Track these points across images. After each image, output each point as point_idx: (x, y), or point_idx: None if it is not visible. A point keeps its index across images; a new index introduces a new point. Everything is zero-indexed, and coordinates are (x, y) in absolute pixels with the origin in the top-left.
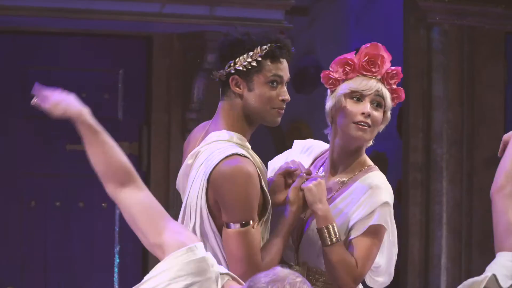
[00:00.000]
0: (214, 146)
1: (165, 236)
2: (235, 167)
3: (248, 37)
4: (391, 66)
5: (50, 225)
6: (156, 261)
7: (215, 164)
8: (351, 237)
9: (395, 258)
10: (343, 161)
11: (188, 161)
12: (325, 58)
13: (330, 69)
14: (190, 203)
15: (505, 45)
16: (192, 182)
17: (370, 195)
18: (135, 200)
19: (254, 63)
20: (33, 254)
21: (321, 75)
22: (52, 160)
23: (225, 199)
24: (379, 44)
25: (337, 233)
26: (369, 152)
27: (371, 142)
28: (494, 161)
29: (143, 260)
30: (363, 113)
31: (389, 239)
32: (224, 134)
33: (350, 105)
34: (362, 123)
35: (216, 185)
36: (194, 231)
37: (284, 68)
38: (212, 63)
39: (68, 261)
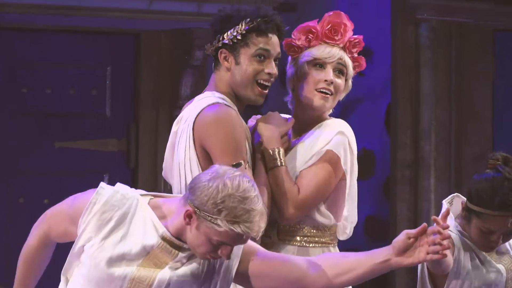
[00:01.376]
0: (196, 103)
1: (75, 217)
2: (216, 110)
3: (237, 12)
4: (353, 35)
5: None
6: None
7: (197, 113)
8: (304, 167)
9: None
10: (305, 126)
11: (173, 128)
12: None
13: (293, 36)
14: (179, 160)
15: (493, 41)
16: (179, 142)
17: (324, 130)
18: (57, 236)
19: (239, 37)
20: (20, 251)
21: (283, 42)
22: (40, 157)
23: (213, 144)
24: (342, 13)
25: (282, 158)
26: (357, 148)
27: (331, 110)
28: (482, 158)
29: None
30: (326, 80)
31: (348, 172)
32: (207, 93)
33: (313, 73)
34: (324, 91)
35: (200, 133)
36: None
37: (271, 43)
38: (200, 60)
39: (55, 259)
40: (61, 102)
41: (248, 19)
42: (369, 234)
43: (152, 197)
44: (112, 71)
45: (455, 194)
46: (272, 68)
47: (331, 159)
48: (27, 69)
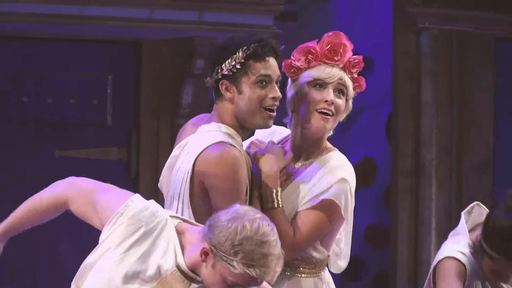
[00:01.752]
0: (202, 135)
1: (101, 211)
2: (221, 152)
3: (232, 41)
4: (353, 55)
5: (40, 229)
6: None
7: (201, 150)
8: (300, 209)
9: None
10: (305, 149)
11: (174, 152)
12: None
13: (292, 57)
14: (174, 190)
15: (495, 50)
16: (178, 171)
17: (328, 171)
18: (75, 211)
19: (238, 66)
20: (23, 258)
21: (283, 64)
22: (41, 166)
23: (213, 186)
24: (341, 33)
25: (279, 200)
26: (359, 157)
27: (331, 132)
28: (483, 166)
29: None
30: (326, 101)
31: (348, 219)
32: (213, 125)
33: (313, 93)
34: (325, 112)
35: (203, 171)
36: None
37: (270, 67)
38: (201, 69)
39: (58, 265)
40: (62, 110)
41: (245, 47)
42: (369, 242)
43: (181, 221)
44: (113, 80)
45: (476, 203)
46: (275, 92)
47: (330, 207)
48: (28, 77)
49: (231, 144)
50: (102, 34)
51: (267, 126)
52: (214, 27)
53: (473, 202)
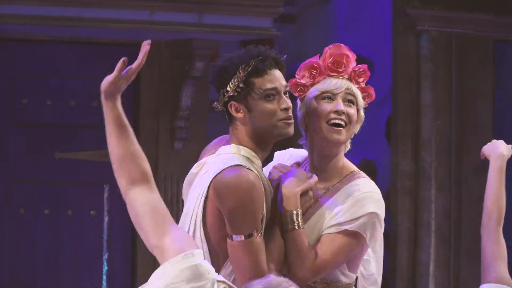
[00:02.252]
0: (220, 157)
1: (166, 240)
2: (237, 176)
3: (230, 61)
4: (357, 64)
5: (39, 233)
6: (144, 268)
7: (217, 172)
8: (325, 232)
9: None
10: (324, 168)
11: (193, 170)
12: None
13: (297, 76)
14: (187, 210)
15: (494, 52)
16: (194, 189)
17: (359, 201)
18: (143, 201)
19: (242, 85)
20: (22, 261)
21: (289, 83)
22: (41, 168)
23: (228, 210)
24: (342, 44)
25: (299, 221)
26: (358, 159)
27: (349, 146)
28: (482, 168)
29: (131, 267)
30: (336, 111)
31: (380, 247)
32: (233, 147)
33: (322, 106)
34: (337, 123)
35: (218, 195)
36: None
37: (274, 79)
38: (201, 71)
39: (57, 269)
40: (61, 113)
41: (244, 64)
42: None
43: (226, 286)
44: None
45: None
46: (285, 103)
47: (354, 237)
48: (28, 80)
49: (248, 168)
50: (102, 36)
51: (289, 134)
52: (213, 29)
53: (472, 204)
